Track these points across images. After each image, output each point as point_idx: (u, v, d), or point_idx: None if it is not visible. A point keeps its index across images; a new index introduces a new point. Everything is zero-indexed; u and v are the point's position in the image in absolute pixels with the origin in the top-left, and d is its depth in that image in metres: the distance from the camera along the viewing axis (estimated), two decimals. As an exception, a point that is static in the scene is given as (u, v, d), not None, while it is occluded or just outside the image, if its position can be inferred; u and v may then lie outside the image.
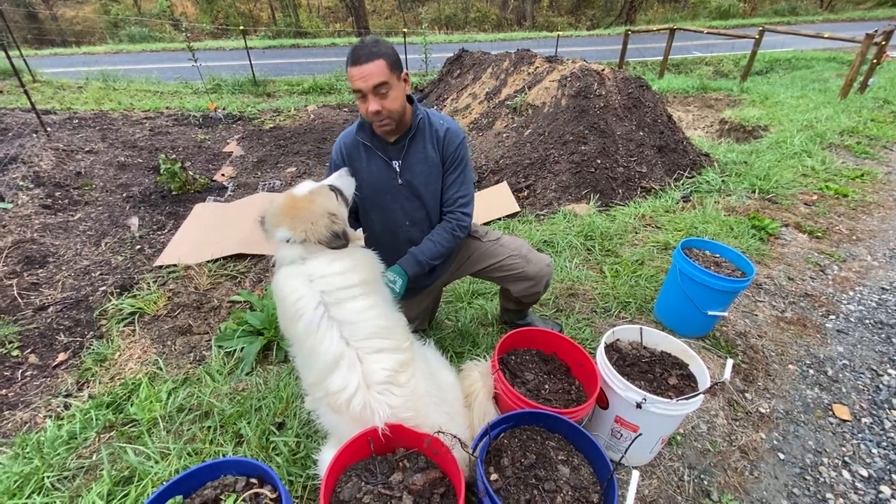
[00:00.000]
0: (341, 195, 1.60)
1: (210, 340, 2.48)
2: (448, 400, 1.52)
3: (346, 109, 7.87)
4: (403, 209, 1.87)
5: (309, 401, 1.54)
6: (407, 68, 1.73)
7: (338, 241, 1.46)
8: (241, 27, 11.26)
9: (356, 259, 1.50)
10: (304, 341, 1.38)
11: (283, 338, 1.50)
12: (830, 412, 2.10)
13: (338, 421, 1.40)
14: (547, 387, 1.73)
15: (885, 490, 1.76)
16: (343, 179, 1.66)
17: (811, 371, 2.32)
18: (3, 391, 2.25)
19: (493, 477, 1.32)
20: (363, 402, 1.32)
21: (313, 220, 1.44)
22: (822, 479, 1.80)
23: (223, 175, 5.12)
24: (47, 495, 1.64)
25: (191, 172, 4.72)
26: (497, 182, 4.32)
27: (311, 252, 1.44)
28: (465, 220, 1.88)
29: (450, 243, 1.87)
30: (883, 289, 2.97)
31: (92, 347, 2.49)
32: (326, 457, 1.43)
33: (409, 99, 1.74)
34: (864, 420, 2.06)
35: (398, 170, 1.80)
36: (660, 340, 1.87)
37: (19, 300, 2.82)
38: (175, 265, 3.19)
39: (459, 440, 1.30)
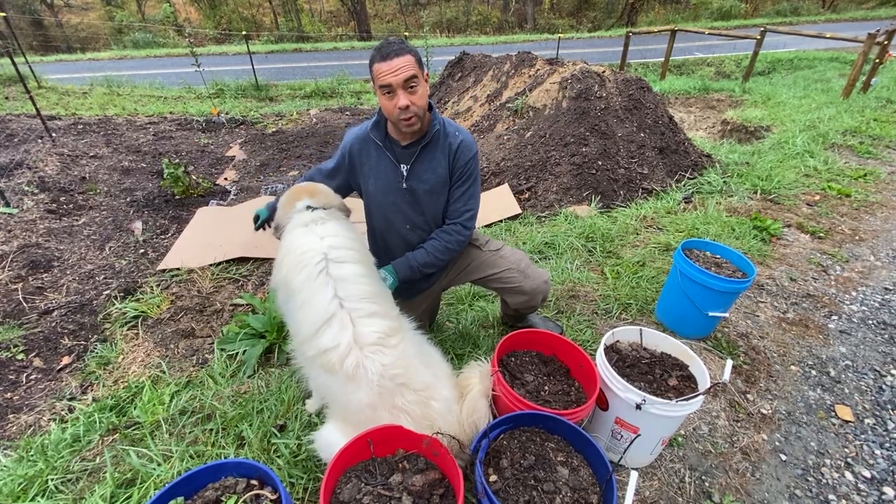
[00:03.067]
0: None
1: (213, 343, 2.50)
2: (433, 363, 1.59)
3: (347, 113, 7.91)
4: (404, 212, 1.88)
5: (300, 360, 1.63)
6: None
7: (347, 211, 1.78)
8: (244, 32, 11.35)
9: (361, 238, 1.70)
10: (300, 292, 1.45)
11: (275, 296, 1.68)
12: (833, 413, 2.09)
13: (330, 381, 1.43)
14: (546, 388, 1.74)
15: (889, 491, 1.75)
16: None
17: (813, 372, 2.32)
18: (8, 394, 2.27)
19: (493, 478, 1.32)
20: (356, 362, 1.37)
21: (325, 193, 1.74)
22: (824, 481, 1.79)
23: (226, 179, 5.15)
24: (51, 497, 1.66)
25: (194, 176, 4.75)
26: (498, 184, 4.33)
27: (331, 216, 1.64)
28: (464, 234, 1.90)
29: (443, 255, 1.89)
30: (886, 289, 2.95)
31: (95, 351, 2.51)
32: (324, 434, 1.46)
33: (429, 106, 1.75)
34: (866, 421, 2.05)
35: (404, 174, 1.81)
36: (660, 341, 1.87)
37: (24, 304, 2.85)
38: (178, 269, 3.21)
39: (458, 441, 1.30)
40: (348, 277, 1.47)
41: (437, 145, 1.80)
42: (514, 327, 2.44)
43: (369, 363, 1.37)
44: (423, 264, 1.86)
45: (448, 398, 1.51)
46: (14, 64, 5.96)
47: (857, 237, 3.55)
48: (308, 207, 1.64)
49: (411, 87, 1.60)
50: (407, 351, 1.47)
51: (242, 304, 2.84)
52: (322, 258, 1.47)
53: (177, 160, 5.17)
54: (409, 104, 1.60)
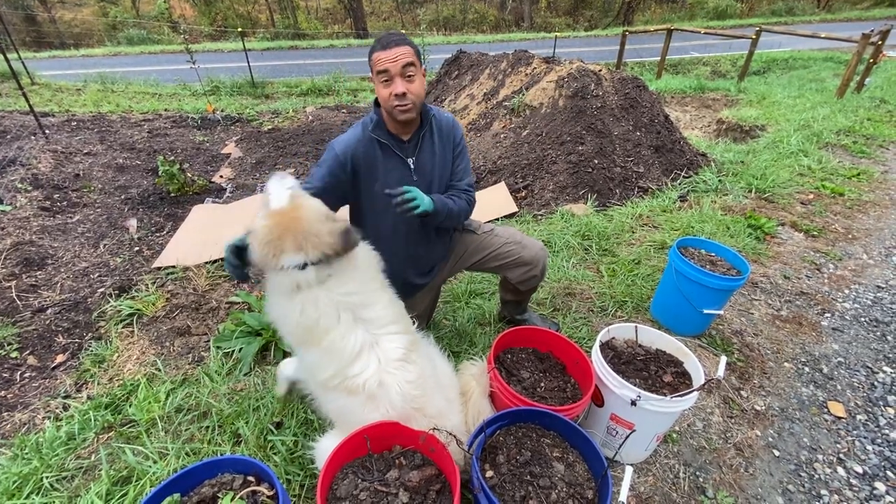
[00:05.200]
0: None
1: (208, 341, 2.49)
2: (445, 385, 1.57)
3: (344, 111, 7.88)
4: None
5: (317, 391, 1.52)
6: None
7: (353, 240, 1.34)
8: (240, 29, 11.29)
9: (364, 265, 1.48)
10: (331, 345, 1.36)
11: (287, 343, 1.56)
12: (825, 409, 2.11)
13: (351, 403, 1.38)
14: (542, 385, 1.75)
15: (880, 486, 1.77)
16: (289, 180, 1.44)
17: (807, 369, 2.34)
18: (3, 392, 2.26)
19: (489, 473, 1.33)
20: (378, 380, 1.35)
21: (316, 233, 1.30)
22: (816, 476, 1.81)
23: (221, 176, 5.13)
24: (46, 495, 1.65)
25: (189, 174, 4.73)
26: (495, 182, 4.34)
27: (323, 280, 1.35)
28: (473, 202, 1.97)
29: (462, 210, 1.89)
30: (878, 287, 2.98)
31: (90, 349, 2.50)
32: (324, 445, 1.45)
33: None
34: (858, 417, 2.07)
35: (413, 167, 1.82)
36: (655, 338, 1.89)
37: (18, 302, 2.83)
38: (174, 266, 3.20)
39: (455, 437, 1.31)
40: (375, 315, 1.42)
41: (433, 131, 1.84)
42: (511, 324, 2.44)
43: (391, 379, 1.35)
44: (450, 210, 1.82)
45: (457, 423, 1.50)
46: (7, 60, 5.91)
47: (850, 236, 3.58)
48: (304, 265, 1.31)
49: (409, 75, 1.62)
50: (425, 370, 1.45)
51: (238, 302, 2.83)
52: (348, 312, 1.37)
53: (172, 157, 5.15)
54: (406, 91, 1.61)
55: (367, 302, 1.42)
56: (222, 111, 7.67)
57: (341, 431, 1.45)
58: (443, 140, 1.86)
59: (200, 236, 3.54)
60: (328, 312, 1.35)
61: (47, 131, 5.72)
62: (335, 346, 1.37)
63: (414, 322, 1.64)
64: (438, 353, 1.75)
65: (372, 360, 1.37)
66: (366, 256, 1.51)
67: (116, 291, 2.93)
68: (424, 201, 1.69)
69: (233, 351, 2.36)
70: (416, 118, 1.74)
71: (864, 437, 1.97)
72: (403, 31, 1.79)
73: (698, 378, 1.67)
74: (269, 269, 1.36)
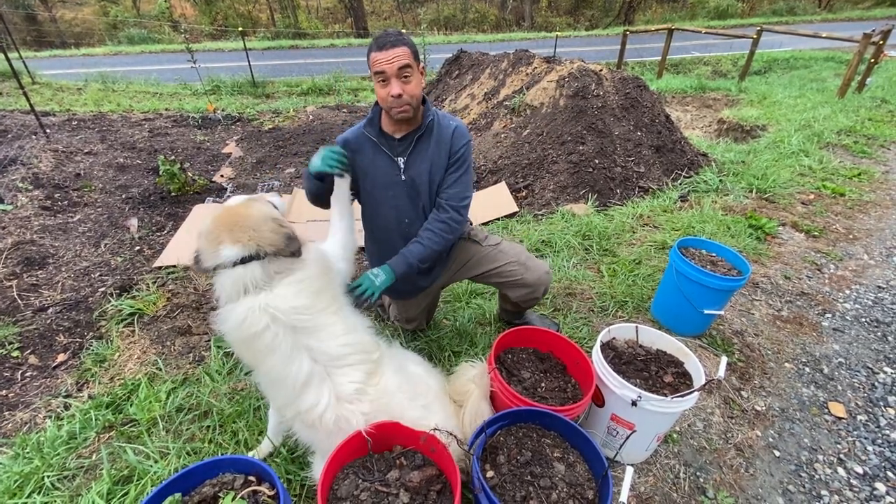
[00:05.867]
0: (276, 209, 1.48)
1: (209, 341, 2.49)
2: (421, 392, 1.53)
3: (344, 110, 7.88)
4: (404, 206, 1.88)
5: (281, 417, 1.51)
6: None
7: (294, 244, 1.32)
8: (240, 28, 11.29)
9: (315, 274, 1.40)
10: (271, 370, 1.34)
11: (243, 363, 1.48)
12: (826, 410, 2.11)
13: (313, 434, 1.40)
14: (543, 385, 1.75)
15: (880, 487, 1.77)
16: (276, 199, 1.54)
17: (807, 369, 2.34)
18: (3, 392, 2.26)
19: (489, 474, 1.33)
20: (335, 416, 1.33)
21: (255, 227, 1.29)
22: (817, 476, 1.81)
23: (222, 176, 5.13)
24: (47, 494, 1.65)
25: (190, 173, 4.73)
26: (495, 182, 4.34)
27: (271, 276, 1.30)
28: (459, 221, 1.86)
29: (440, 245, 1.83)
30: (879, 287, 2.98)
31: (91, 348, 2.50)
32: (320, 465, 1.44)
33: (423, 99, 1.76)
34: (859, 417, 2.07)
35: (402, 167, 1.82)
36: (655, 338, 1.89)
37: (19, 301, 2.83)
38: (174, 266, 3.20)
39: (455, 437, 1.31)
40: (322, 344, 1.34)
41: (432, 135, 1.81)
42: (510, 325, 2.44)
43: (350, 416, 1.34)
44: (420, 258, 1.79)
45: (441, 424, 1.46)
46: (8, 59, 5.91)
47: (851, 236, 3.58)
48: (242, 260, 1.28)
49: (405, 76, 1.62)
50: (389, 387, 1.42)
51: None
52: (293, 335, 1.30)
53: (172, 157, 5.15)
54: (402, 93, 1.62)
55: (314, 326, 1.33)
56: (223, 110, 7.67)
57: (321, 457, 1.44)
58: (440, 146, 1.81)
59: (201, 236, 3.53)
60: (271, 330, 1.27)
61: (48, 130, 5.72)
62: (276, 372, 1.33)
63: (410, 326, 1.61)
64: (412, 357, 1.71)
65: (323, 395, 1.33)
66: (317, 269, 1.41)
67: (117, 291, 2.93)
68: (378, 280, 1.68)
69: (233, 350, 2.36)
70: (413, 118, 1.74)
71: (865, 438, 1.97)
72: (403, 30, 1.76)
73: (699, 378, 1.67)
74: (211, 266, 1.31)
